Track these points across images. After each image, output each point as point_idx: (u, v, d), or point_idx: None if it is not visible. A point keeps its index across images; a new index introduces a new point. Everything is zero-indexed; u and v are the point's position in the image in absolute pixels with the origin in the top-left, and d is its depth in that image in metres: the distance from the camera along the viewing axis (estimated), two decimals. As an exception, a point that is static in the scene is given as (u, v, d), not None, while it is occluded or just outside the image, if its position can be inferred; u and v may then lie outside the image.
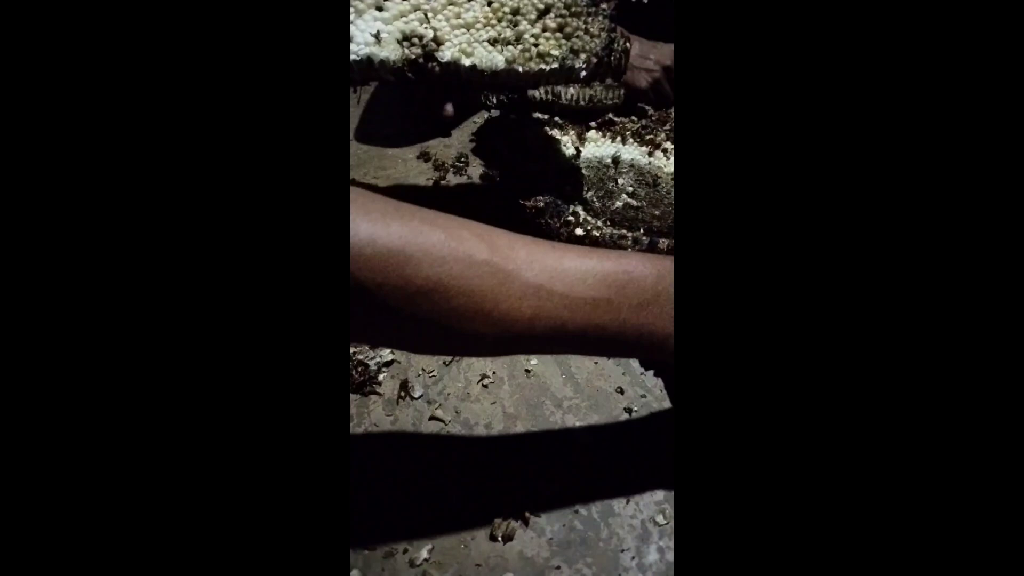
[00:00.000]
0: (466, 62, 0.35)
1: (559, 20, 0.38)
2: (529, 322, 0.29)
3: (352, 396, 0.44)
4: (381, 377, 0.45)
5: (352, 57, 0.34)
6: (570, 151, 0.60)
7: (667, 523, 0.36)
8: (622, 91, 0.65)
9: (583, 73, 0.37)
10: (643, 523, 0.36)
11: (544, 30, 0.38)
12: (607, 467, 0.39)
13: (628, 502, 0.37)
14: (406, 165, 0.67)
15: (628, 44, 0.42)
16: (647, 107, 0.66)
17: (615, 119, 0.65)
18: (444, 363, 0.46)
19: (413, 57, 0.35)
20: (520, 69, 0.35)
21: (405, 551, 0.35)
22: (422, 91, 0.63)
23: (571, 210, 0.53)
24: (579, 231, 0.52)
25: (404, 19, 0.35)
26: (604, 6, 0.40)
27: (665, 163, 0.58)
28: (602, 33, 0.39)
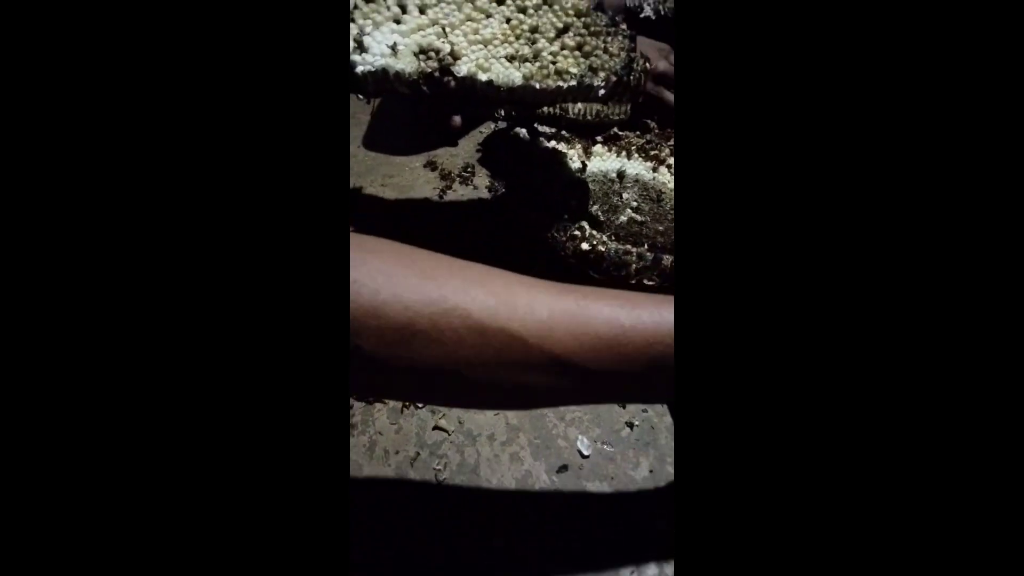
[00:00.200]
0: (483, 77, 0.35)
1: (578, 39, 0.39)
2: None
3: (357, 404, 0.44)
4: (385, 385, 0.45)
5: (367, 68, 0.34)
6: (576, 165, 0.60)
7: None
8: (629, 106, 0.66)
9: (601, 91, 0.37)
10: None
11: (563, 48, 0.38)
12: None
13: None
14: (412, 173, 0.68)
15: (648, 64, 0.42)
16: (650, 122, 0.67)
17: (620, 133, 0.65)
18: (448, 373, 0.46)
19: (429, 70, 0.35)
20: (537, 86, 0.36)
21: None
22: (430, 101, 0.63)
23: (576, 224, 0.54)
24: (584, 246, 0.52)
25: (421, 32, 0.36)
26: (624, 26, 0.41)
27: (669, 179, 0.59)
28: (622, 52, 0.39)
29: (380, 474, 0.40)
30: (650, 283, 0.51)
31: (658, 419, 0.43)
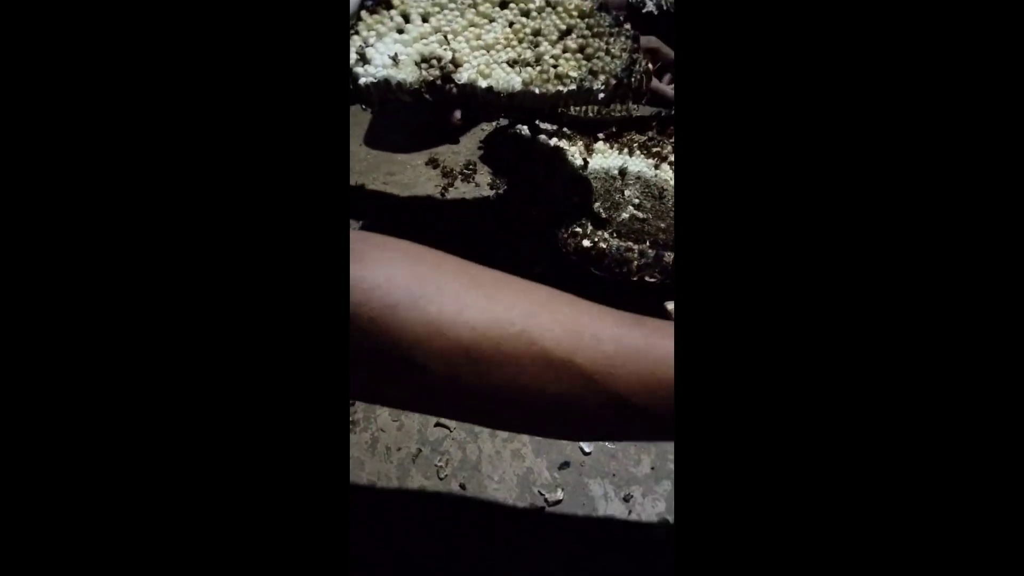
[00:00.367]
0: (483, 83, 0.36)
1: (580, 41, 0.39)
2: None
3: (359, 402, 0.44)
4: (390, 384, 0.45)
5: (369, 79, 0.34)
6: (578, 162, 0.60)
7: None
8: (630, 104, 0.66)
9: (601, 95, 0.38)
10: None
11: (565, 51, 0.38)
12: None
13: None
14: (415, 171, 0.68)
15: (650, 65, 0.42)
16: (651, 120, 0.67)
17: (622, 130, 0.66)
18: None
19: (431, 79, 0.35)
20: (537, 91, 0.36)
21: None
22: (431, 105, 0.64)
23: (578, 221, 0.54)
24: (586, 243, 0.52)
25: (424, 41, 0.36)
26: (628, 26, 0.41)
27: (671, 176, 0.59)
28: (623, 54, 0.39)
29: (382, 471, 0.41)
30: (652, 280, 0.51)
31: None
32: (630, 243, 0.53)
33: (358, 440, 0.42)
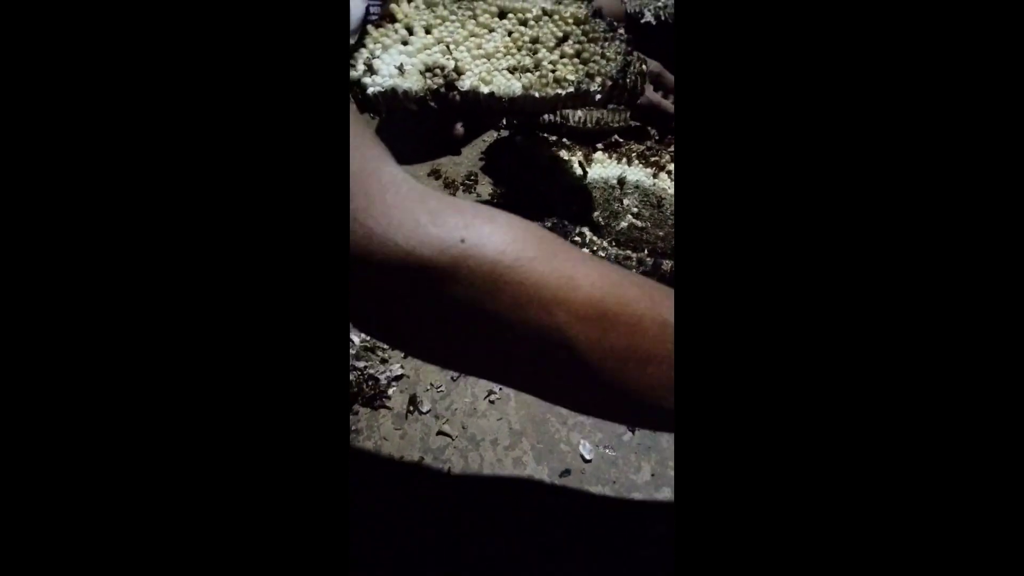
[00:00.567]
0: (484, 90, 0.36)
1: (577, 46, 0.40)
2: None
3: (363, 409, 0.44)
4: (391, 391, 0.46)
5: (377, 89, 0.35)
6: (577, 172, 0.61)
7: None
8: (628, 113, 0.66)
9: (598, 96, 0.38)
10: None
11: (562, 56, 0.39)
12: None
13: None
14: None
15: (645, 66, 0.43)
16: (651, 128, 0.68)
17: (621, 140, 0.66)
18: (452, 378, 0.47)
19: (435, 87, 0.36)
20: (536, 95, 0.37)
21: None
22: (435, 114, 0.64)
23: (577, 230, 0.55)
24: (585, 251, 0.53)
25: (427, 51, 0.37)
26: (622, 31, 0.42)
27: (669, 185, 0.60)
28: (618, 56, 0.40)
29: (384, 479, 0.41)
30: (650, 289, 0.51)
31: (659, 423, 0.44)
32: (629, 251, 0.54)
33: (361, 448, 0.42)
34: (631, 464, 0.42)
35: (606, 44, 0.41)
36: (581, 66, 0.40)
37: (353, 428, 0.43)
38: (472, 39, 0.38)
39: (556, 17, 0.41)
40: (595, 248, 0.54)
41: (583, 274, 0.25)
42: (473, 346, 0.26)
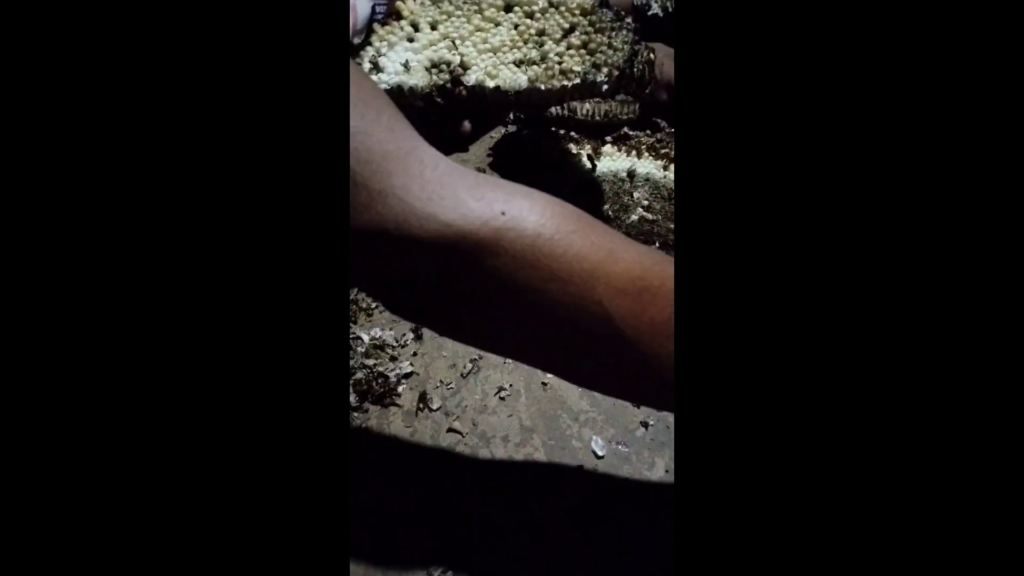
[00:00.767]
0: (490, 84, 0.36)
1: (584, 37, 0.39)
2: None
3: (372, 407, 0.44)
4: (400, 389, 0.46)
5: (383, 86, 0.35)
6: (586, 165, 0.61)
7: None
8: (637, 106, 0.66)
9: (605, 87, 0.38)
10: None
11: (569, 48, 0.39)
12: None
13: None
14: (424, 177, 0.69)
15: (652, 55, 0.42)
16: (661, 121, 0.67)
17: (630, 133, 0.66)
18: (462, 375, 0.47)
19: (441, 83, 0.36)
20: (542, 87, 0.36)
21: None
22: (442, 110, 0.64)
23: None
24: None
25: (433, 48, 0.36)
26: (629, 20, 0.41)
27: (680, 178, 0.59)
28: (625, 46, 0.39)
29: (393, 477, 0.41)
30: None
31: (671, 417, 0.44)
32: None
33: (370, 445, 0.42)
34: (644, 460, 0.41)
35: (613, 34, 0.41)
36: (588, 57, 0.39)
37: (363, 426, 0.43)
38: (478, 34, 0.37)
39: (563, 8, 0.41)
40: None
41: (623, 248, 0.25)
42: (510, 321, 0.26)
